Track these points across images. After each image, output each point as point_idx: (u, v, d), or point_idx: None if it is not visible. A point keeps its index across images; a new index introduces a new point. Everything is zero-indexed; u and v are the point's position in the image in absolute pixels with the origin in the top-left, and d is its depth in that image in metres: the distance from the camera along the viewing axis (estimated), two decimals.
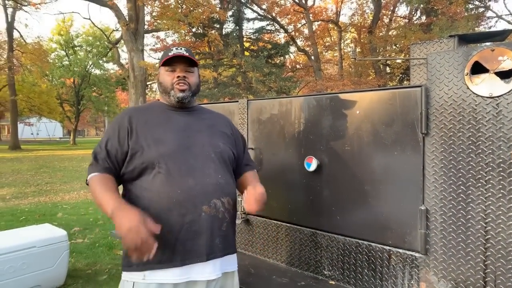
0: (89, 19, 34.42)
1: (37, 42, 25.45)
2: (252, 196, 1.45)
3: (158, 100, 1.70)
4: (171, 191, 1.40)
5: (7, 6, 22.76)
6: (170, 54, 1.57)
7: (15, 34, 24.35)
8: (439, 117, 1.59)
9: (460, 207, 1.53)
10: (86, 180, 1.47)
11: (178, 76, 1.55)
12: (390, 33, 22.26)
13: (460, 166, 1.53)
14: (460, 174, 1.53)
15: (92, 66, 34.07)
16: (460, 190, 1.53)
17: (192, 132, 1.55)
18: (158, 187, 1.41)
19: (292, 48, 24.37)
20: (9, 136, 30.75)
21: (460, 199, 1.53)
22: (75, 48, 35.12)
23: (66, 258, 3.25)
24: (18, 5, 20.70)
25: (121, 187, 1.52)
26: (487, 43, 2.11)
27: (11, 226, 4.94)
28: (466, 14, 17.33)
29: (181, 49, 1.60)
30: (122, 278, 1.45)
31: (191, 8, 16.05)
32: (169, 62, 1.56)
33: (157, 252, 1.33)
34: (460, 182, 1.53)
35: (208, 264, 1.43)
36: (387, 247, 1.75)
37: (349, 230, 1.89)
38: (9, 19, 23.67)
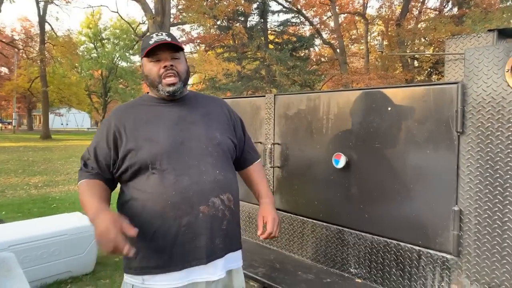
0: (117, 12, 35.16)
1: (67, 35, 26.14)
2: (266, 230, 1.54)
3: (147, 93, 1.55)
4: (165, 193, 1.31)
5: (39, 0, 23.48)
6: (151, 42, 1.40)
7: (47, 27, 25.15)
8: (476, 115, 1.53)
9: (497, 208, 1.47)
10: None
11: (165, 66, 1.40)
12: (419, 25, 21.61)
13: (498, 167, 1.47)
14: (498, 175, 1.47)
15: (119, 58, 34.81)
16: (497, 192, 1.47)
17: (186, 125, 1.43)
18: (152, 188, 1.33)
19: (317, 41, 24.09)
20: (40, 126, 31.93)
21: (497, 200, 1.47)
22: (103, 41, 35.95)
23: (95, 246, 3.36)
24: None
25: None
26: None
27: (44, 213, 5.15)
28: (501, 5, 16.57)
29: (162, 34, 1.43)
30: (123, 280, 1.42)
31: (216, 1, 16.09)
32: (152, 51, 1.39)
33: (155, 256, 1.32)
34: (497, 183, 1.47)
35: (209, 266, 1.37)
36: (417, 247, 1.71)
37: (378, 229, 1.86)
38: (41, 13, 24.42)
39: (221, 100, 1.67)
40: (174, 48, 1.42)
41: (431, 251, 1.66)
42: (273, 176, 2.43)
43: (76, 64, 30.19)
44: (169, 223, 1.32)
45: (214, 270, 1.39)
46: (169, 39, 1.41)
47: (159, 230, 1.32)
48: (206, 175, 1.37)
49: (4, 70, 34.04)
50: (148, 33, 1.62)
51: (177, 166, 1.34)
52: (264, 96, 2.51)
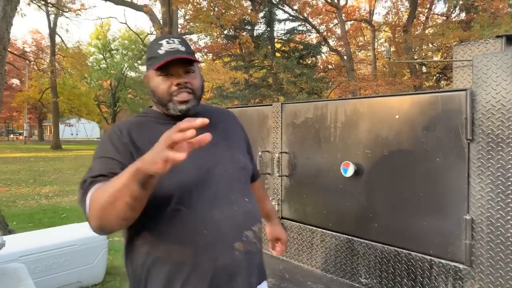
0: (125, 23, 35.55)
1: (77, 47, 26.57)
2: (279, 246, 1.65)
3: (151, 107, 1.32)
4: (196, 233, 1.11)
5: (49, 12, 23.94)
6: (161, 52, 1.17)
7: (57, 39, 25.54)
8: (486, 122, 1.51)
9: (509, 217, 1.45)
10: (85, 214, 1.02)
11: (178, 84, 1.18)
12: (426, 31, 21.54)
13: (509, 174, 1.45)
14: (510, 183, 1.45)
15: (127, 68, 35.24)
16: (509, 200, 1.45)
17: (209, 147, 1.08)
18: (178, 228, 1.11)
19: (324, 48, 24.11)
20: (51, 136, 32.33)
21: (509, 208, 1.45)
22: (112, 52, 36.45)
23: (105, 256, 3.38)
24: (60, 11, 21.69)
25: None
26: None
27: (54, 223, 5.20)
28: (509, 10, 16.45)
29: (173, 42, 1.19)
30: None
31: (223, 11, 16.25)
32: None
33: None
34: (510, 191, 1.45)
35: None
36: (428, 257, 1.68)
37: (388, 238, 1.84)
38: (52, 25, 24.88)
39: (232, 113, 1.48)
40: (188, 60, 1.20)
41: (443, 261, 1.64)
42: (281, 185, 2.42)
43: (86, 75, 30.62)
44: (203, 267, 1.11)
45: None
46: (183, 49, 1.18)
47: (191, 276, 1.11)
48: (237, 205, 1.19)
49: (16, 81, 34.62)
50: (157, 38, 1.30)
51: (206, 199, 1.14)
52: (271, 104, 2.52)
